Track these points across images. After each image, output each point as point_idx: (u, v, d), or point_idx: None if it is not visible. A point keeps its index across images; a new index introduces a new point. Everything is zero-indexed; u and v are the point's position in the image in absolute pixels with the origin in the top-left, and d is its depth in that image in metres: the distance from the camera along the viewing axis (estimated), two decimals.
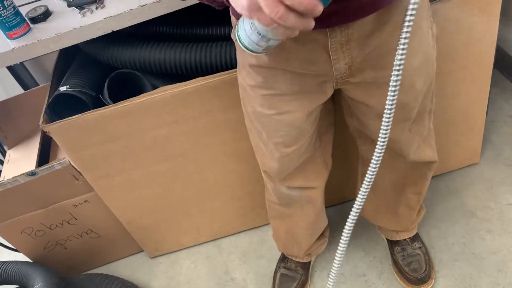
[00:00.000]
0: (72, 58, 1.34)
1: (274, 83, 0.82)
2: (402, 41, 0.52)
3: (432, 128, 1.01)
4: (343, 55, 0.76)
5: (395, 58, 0.53)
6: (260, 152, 1.01)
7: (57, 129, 1.11)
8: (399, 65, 0.54)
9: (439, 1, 1.05)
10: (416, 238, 1.31)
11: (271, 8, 0.47)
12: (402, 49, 0.52)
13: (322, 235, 1.31)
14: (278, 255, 1.41)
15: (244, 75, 0.86)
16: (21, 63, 1.91)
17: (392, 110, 0.60)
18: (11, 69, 1.84)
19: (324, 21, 0.69)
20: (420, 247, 1.30)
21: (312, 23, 0.50)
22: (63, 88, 1.12)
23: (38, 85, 1.95)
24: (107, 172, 1.23)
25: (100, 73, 1.25)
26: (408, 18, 0.50)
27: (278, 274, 1.35)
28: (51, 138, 1.45)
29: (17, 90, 1.90)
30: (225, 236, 1.54)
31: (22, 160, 1.50)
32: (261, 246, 1.49)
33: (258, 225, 1.53)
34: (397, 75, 0.55)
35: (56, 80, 1.27)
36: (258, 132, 0.95)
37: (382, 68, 0.79)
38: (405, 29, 0.51)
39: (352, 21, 0.71)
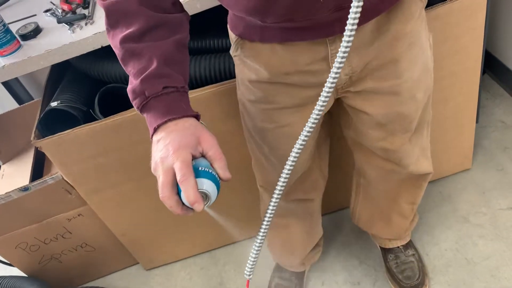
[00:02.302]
0: (63, 73, 1.35)
1: (274, 97, 0.83)
2: (347, 38, 0.51)
3: (428, 140, 1.01)
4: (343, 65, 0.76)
5: (337, 55, 0.53)
6: (260, 166, 1.00)
7: (48, 144, 1.12)
8: (340, 62, 0.53)
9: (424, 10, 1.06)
10: (409, 245, 1.32)
11: (159, 190, 0.58)
12: (346, 46, 0.51)
13: (317, 244, 1.31)
14: (273, 265, 1.41)
15: (243, 90, 0.86)
16: (16, 77, 1.93)
17: (293, 164, 0.64)
18: (5, 83, 1.85)
19: (327, 29, 0.70)
20: (413, 254, 1.30)
21: (192, 212, 0.59)
22: (54, 104, 1.13)
23: (32, 99, 1.96)
24: (99, 186, 1.24)
25: (90, 88, 1.26)
26: (354, 10, 0.49)
27: (273, 284, 1.35)
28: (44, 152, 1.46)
29: (12, 104, 1.91)
30: (220, 247, 1.54)
31: (16, 175, 1.50)
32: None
33: (253, 236, 1.53)
34: (335, 74, 0.54)
35: (48, 95, 1.28)
36: (258, 146, 0.95)
37: (382, 78, 0.79)
38: (349, 27, 0.50)
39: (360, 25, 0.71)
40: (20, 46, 1.11)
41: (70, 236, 1.39)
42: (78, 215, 1.34)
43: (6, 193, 1.22)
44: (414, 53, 0.79)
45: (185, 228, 1.45)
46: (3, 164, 1.58)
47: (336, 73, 0.53)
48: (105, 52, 1.15)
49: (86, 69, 1.23)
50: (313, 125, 0.59)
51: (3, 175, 1.53)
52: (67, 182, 1.24)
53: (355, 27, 0.49)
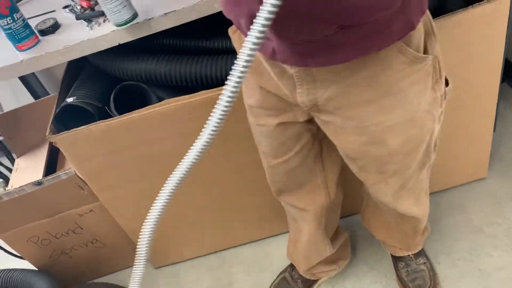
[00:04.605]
0: (80, 69, 1.36)
1: (251, 96, 0.88)
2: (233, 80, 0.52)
3: (423, 181, 0.99)
4: (307, 91, 0.77)
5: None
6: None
7: (63, 140, 1.13)
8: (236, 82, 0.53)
9: (442, 17, 1.05)
10: (420, 253, 1.30)
11: None
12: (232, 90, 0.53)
13: (332, 262, 1.29)
14: (281, 268, 1.40)
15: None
16: (32, 72, 1.95)
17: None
18: (22, 78, 1.87)
19: (297, 60, 0.71)
20: (424, 263, 1.28)
21: None
22: (70, 99, 1.14)
23: (48, 94, 1.98)
24: (112, 182, 1.24)
25: (106, 84, 1.26)
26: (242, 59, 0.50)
27: (280, 277, 1.35)
28: (58, 148, 1.47)
29: (28, 99, 1.93)
30: (229, 248, 1.54)
31: (30, 169, 1.52)
32: (264, 259, 1.48)
33: (262, 238, 1.53)
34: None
35: (64, 91, 1.28)
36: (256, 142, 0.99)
37: (348, 117, 0.79)
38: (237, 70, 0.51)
39: (320, 66, 0.72)
40: (38, 41, 1.11)
41: (81, 231, 1.40)
42: (90, 211, 1.34)
43: (20, 186, 1.23)
44: (389, 103, 0.76)
45: (194, 228, 1.45)
46: (17, 158, 1.59)
47: (230, 90, 0.53)
48: (122, 49, 1.16)
49: (103, 66, 1.23)
50: (203, 147, 0.59)
51: (17, 168, 1.55)
52: (80, 178, 1.24)
53: (255, 49, 0.50)
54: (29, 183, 1.23)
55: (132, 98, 1.21)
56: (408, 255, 1.28)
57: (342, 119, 0.80)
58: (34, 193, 1.25)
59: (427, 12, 0.75)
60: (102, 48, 1.09)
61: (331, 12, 0.61)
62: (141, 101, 1.20)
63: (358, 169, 0.91)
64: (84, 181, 1.25)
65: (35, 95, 1.96)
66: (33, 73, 1.92)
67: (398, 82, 0.74)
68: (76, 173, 1.23)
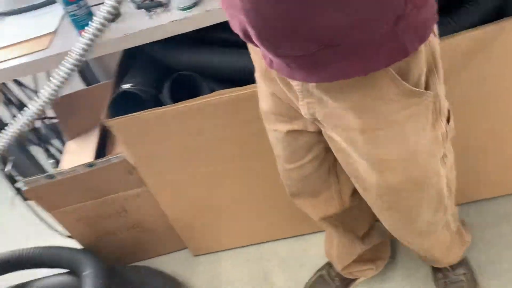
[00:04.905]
0: (134, 57, 1.40)
1: (264, 101, 0.89)
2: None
3: (439, 225, 0.95)
4: (307, 105, 0.76)
5: None
6: None
7: (118, 124, 1.17)
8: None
9: (472, 30, 1.01)
10: (460, 264, 1.25)
11: None
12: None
13: (369, 261, 1.28)
14: (319, 266, 1.40)
15: None
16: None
17: None
18: None
19: (287, 72, 0.70)
20: (464, 273, 1.24)
21: None
22: (126, 86, 1.18)
23: (98, 81, 2.06)
24: (160, 169, 1.28)
25: (159, 73, 1.30)
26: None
27: (318, 274, 1.36)
28: (108, 133, 1.53)
29: (79, 85, 2.01)
30: (267, 241, 1.55)
31: (79, 152, 1.58)
32: (302, 255, 1.49)
33: (301, 234, 1.53)
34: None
35: (119, 78, 1.33)
36: None
37: (345, 140, 0.78)
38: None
39: (305, 82, 0.71)
40: None
41: (126, 215, 1.44)
42: (136, 196, 1.39)
43: (72, 167, 1.29)
44: (383, 135, 0.74)
45: (233, 219, 1.47)
46: (68, 140, 1.66)
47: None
48: (178, 40, 1.19)
49: (158, 55, 1.27)
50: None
51: (67, 151, 1.62)
52: (129, 162, 1.28)
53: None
54: (81, 165, 1.28)
55: (182, 88, 1.24)
56: (446, 267, 1.24)
57: (340, 139, 0.78)
58: (85, 174, 1.30)
59: (433, 44, 0.69)
60: (160, 38, 1.12)
61: (307, 29, 0.59)
62: (192, 92, 1.22)
63: (361, 189, 0.89)
64: (133, 166, 1.29)
65: (86, 82, 2.03)
66: (86, 61, 1.99)
67: (392, 113, 0.71)
68: (126, 158, 1.27)
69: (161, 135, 1.19)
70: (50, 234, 1.55)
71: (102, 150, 1.55)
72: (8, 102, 1.60)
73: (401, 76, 0.67)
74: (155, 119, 1.15)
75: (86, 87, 1.97)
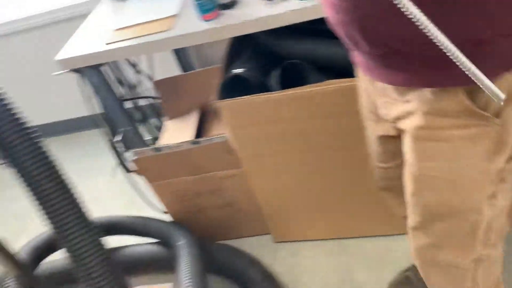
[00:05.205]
0: (241, 44, 1.46)
1: (361, 95, 0.92)
2: None
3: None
4: (384, 104, 0.78)
5: None
6: None
7: (226, 106, 1.23)
8: None
9: None
10: None
11: None
12: None
13: None
14: (403, 267, 1.38)
15: None
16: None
17: None
18: (176, 51, 2.07)
19: (364, 67, 0.73)
20: None
21: None
22: (238, 71, 1.24)
23: (194, 68, 2.17)
24: (259, 152, 1.33)
25: (266, 61, 1.35)
26: None
27: (405, 275, 1.34)
28: (205, 116, 1.61)
29: (176, 71, 2.13)
30: (351, 237, 1.55)
31: (177, 131, 1.68)
32: (387, 255, 1.48)
33: (386, 234, 1.52)
34: None
35: (226, 64, 1.39)
36: None
37: (404, 145, 0.77)
38: None
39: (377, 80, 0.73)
40: (219, 15, 1.23)
41: (220, 194, 1.52)
42: (231, 176, 1.45)
43: (179, 143, 1.37)
44: (432, 147, 0.70)
45: (321, 211, 1.49)
46: (168, 120, 1.77)
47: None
48: (285, 28, 1.23)
49: (266, 43, 1.32)
50: None
51: (166, 130, 1.73)
52: (230, 143, 1.35)
53: None
54: (186, 141, 1.37)
55: (288, 76, 1.28)
56: None
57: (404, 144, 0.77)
58: (188, 150, 1.38)
59: None
60: (277, 26, 1.17)
61: (387, 35, 0.62)
62: (298, 80, 1.26)
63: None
64: (233, 148, 1.35)
65: (182, 67, 2.15)
66: (184, 48, 2.11)
67: (448, 128, 0.67)
68: (228, 139, 1.34)
69: (265, 119, 1.24)
70: (144, 207, 1.67)
71: (198, 132, 1.64)
72: (119, 82, 1.74)
73: (469, 94, 0.63)
74: (262, 104, 1.20)
75: (181, 72, 2.09)
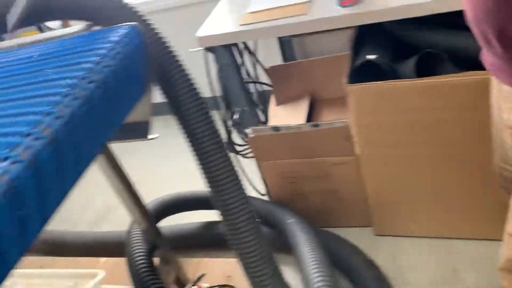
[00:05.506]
0: (367, 32, 1.46)
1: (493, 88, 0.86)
2: None
3: None
4: (508, 110, 0.76)
5: None
6: None
7: (356, 91, 1.26)
8: None
9: None
10: None
11: None
12: None
13: None
14: None
15: None
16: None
17: None
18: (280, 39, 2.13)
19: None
20: None
21: None
22: (370, 56, 1.26)
23: (295, 58, 2.21)
24: (380, 140, 1.34)
25: (395, 49, 1.35)
26: None
27: None
28: (314, 105, 1.63)
29: (279, 60, 2.19)
30: (458, 238, 1.52)
31: (286, 116, 1.73)
32: (497, 259, 1.43)
33: (497, 238, 1.47)
34: None
35: (353, 51, 1.41)
36: None
37: None
38: None
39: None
40: (359, 1, 1.25)
41: (327, 180, 1.54)
42: (343, 163, 1.47)
43: (299, 124, 1.42)
44: None
45: (429, 208, 1.47)
46: (276, 105, 1.82)
47: None
48: (424, 19, 1.22)
49: (396, 32, 1.33)
50: None
51: (274, 115, 1.78)
52: (349, 129, 1.37)
53: None
54: (306, 123, 1.40)
55: (419, 66, 1.27)
56: None
57: None
58: (307, 133, 1.42)
59: None
60: (417, 15, 1.17)
61: (508, 36, 0.62)
62: (431, 71, 1.26)
63: None
64: (351, 134, 1.37)
65: (284, 57, 2.21)
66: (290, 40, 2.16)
67: None
68: (348, 125, 1.36)
69: (393, 108, 1.24)
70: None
71: (308, 119, 1.67)
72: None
73: None
74: (394, 91, 1.21)
75: (283, 62, 2.14)
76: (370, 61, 1.27)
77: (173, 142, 1.54)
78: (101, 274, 1.27)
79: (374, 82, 1.22)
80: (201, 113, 0.85)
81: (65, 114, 0.57)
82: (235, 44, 1.53)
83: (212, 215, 1.60)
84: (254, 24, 1.34)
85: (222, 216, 0.89)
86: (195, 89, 0.85)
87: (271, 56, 2.25)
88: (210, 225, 1.70)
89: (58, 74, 0.65)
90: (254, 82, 1.85)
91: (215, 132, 0.87)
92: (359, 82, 1.26)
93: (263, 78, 1.89)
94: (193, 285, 1.28)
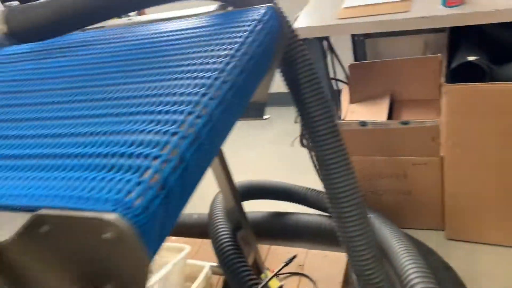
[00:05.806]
0: (460, 34, 1.46)
1: None
2: None
3: None
4: None
5: None
6: None
7: (453, 90, 1.26)
8: None
9: None
10: None
11: None
12: None
13: None
14: None
15: None
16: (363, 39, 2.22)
17: None
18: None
19: None
20: None
21: None
22: (471, 58, 1.26)
23: (366, 59, 2.22)
24: (467, 143, 1.34)
25: (493, 51, 1.35)
26: None
27: None
28: (391, 105, 1.64)
29: (350, 60, 2.20)
30: None
31: (365, 114, 1.73)
32: None
33: None
34: None
35: (449, 51, 1.41)
36: None
37: None
38: None
39: None
40: (463, 3, 1.26)
41: (403, 180, 1.54)
42: (424, 164, 1.47)
43: (387, 121, 1.43)
44: None
45: (505, 214, 1.45)
46: (351, 103, 1.84)
47: None
48: None
49: (498, 34, 1.32)
50: None
51: (350, 111, 1.79)
52: (438, 129, 1.37)
53: None
54: (396, 121, 1.41)
55: None
56: None
57: None
58: (395, 130, 1.43)
59: None
60: None
61: None
62: None
63: None
64: (439, 134, 1.37)
65: (356, 57, 2.22)
66: (364, 41, 2.17)
67: None
68: (438, 125, 1.36)
69: (492, 111, 1.24)
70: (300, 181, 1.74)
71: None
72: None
73: None
74: (495, 93, 1.21)
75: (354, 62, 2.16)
76: (466, 63, 1.27)
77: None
78: (188, 248, 1.32)
79: (476, 83, 1.22)
80: (320, 96, 0.88)
81: (218, 96, 0.54)
82: (326, 39, 1.56)
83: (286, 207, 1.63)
84: (354, 18, 1.36)
85: (330, 199, 0.92)
86: (315, 73, 0.87)
87: (343, 56, 2.27)
88: (279, 215, 1.73)
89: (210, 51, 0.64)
90: (336, 80, 1.87)
91: (332, 117, 0.90)
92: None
93: (339, 76, 1.92)
94: (285, 265, 1.32)
